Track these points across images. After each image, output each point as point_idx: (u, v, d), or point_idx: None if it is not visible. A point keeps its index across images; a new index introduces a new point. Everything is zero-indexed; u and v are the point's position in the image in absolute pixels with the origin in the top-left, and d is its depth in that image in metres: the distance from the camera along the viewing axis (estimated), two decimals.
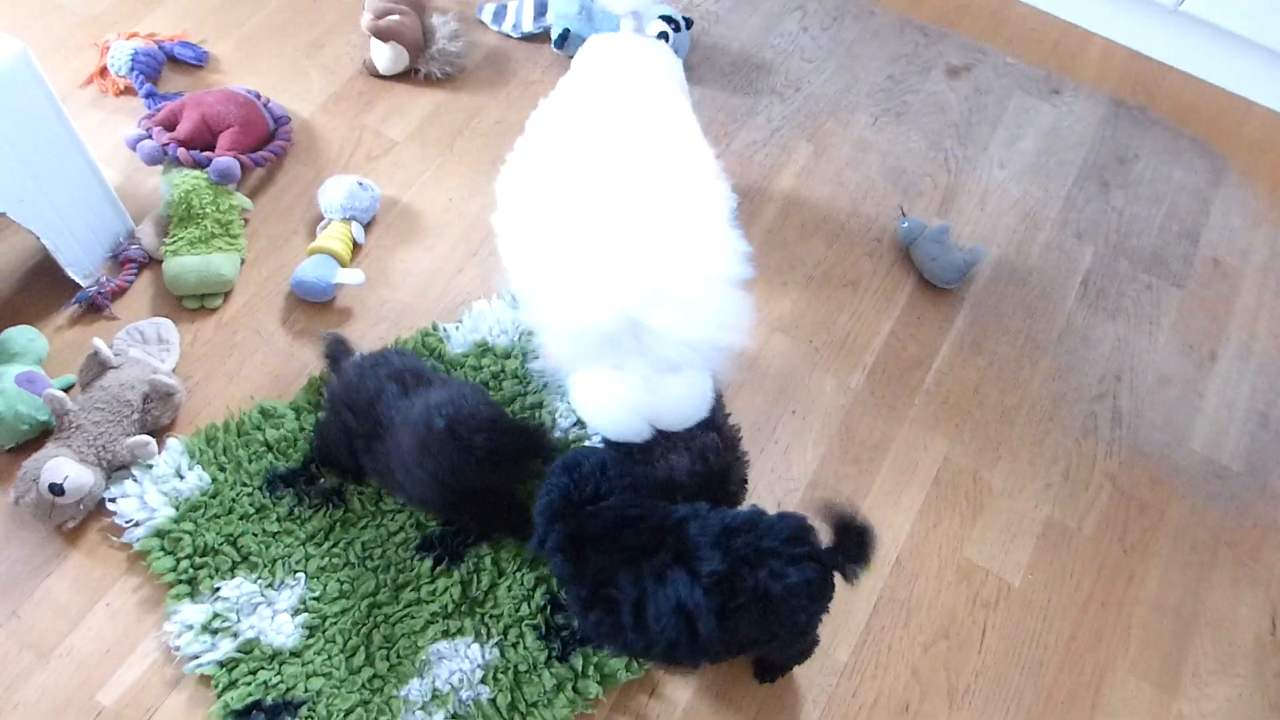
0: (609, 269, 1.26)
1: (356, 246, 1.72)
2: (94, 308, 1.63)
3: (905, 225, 1.78)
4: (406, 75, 1.95)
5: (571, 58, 1.93)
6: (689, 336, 1.26)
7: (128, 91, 1.87)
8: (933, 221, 1.80)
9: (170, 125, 1.74)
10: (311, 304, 1.67)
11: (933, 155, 1.94)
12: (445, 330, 1.64)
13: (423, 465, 1.30)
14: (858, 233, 1.83)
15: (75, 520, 1.43)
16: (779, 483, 1.56)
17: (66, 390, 1.52)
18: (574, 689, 1.36)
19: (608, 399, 1.32)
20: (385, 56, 1.90)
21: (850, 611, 1.46)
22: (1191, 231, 1.89)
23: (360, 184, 1.72)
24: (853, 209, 1.86)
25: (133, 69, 1.84)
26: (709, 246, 1.31)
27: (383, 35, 1.87)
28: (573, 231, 1.30)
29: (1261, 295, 1.83)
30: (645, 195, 1.32)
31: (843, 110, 1.99)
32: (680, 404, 1.32)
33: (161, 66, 1.89)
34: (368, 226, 1.76)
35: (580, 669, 1.37)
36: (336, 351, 1.51)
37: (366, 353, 1.49)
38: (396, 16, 1.87)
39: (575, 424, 1.57)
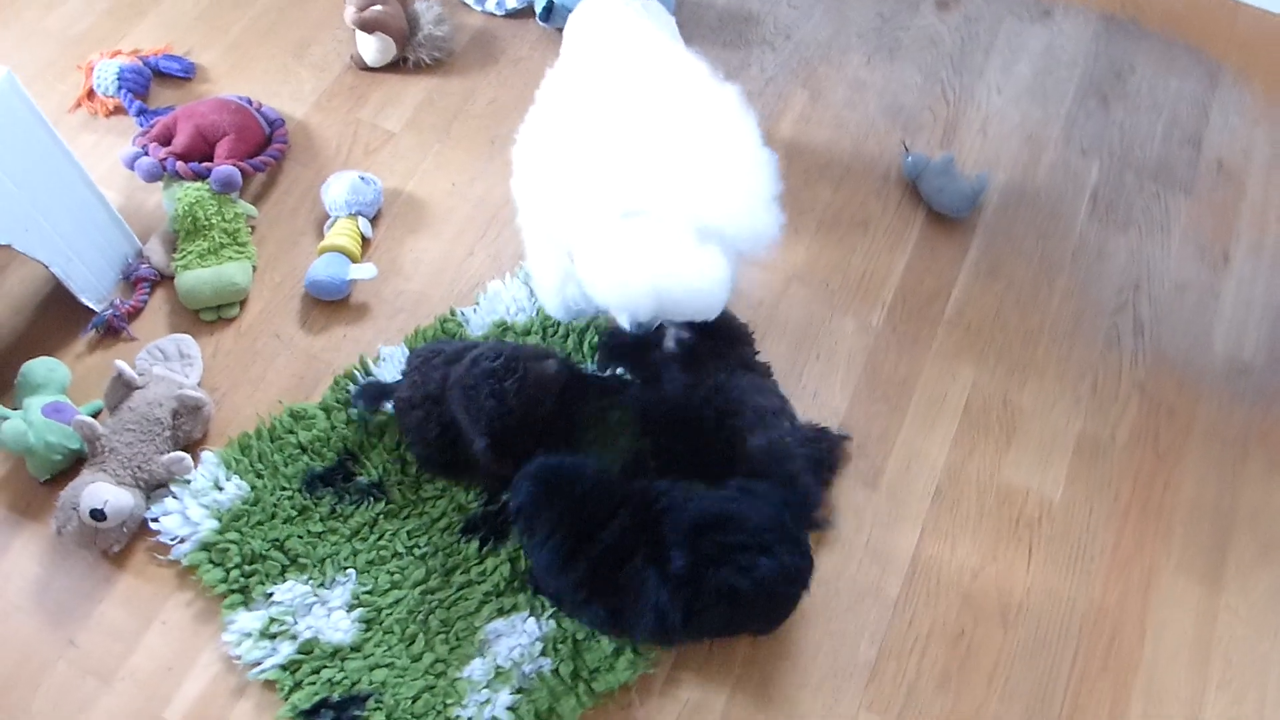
0: (639, 156, 1.23)
1: (365, 241, 1.68)
2: (111, 331, 1.59)
3: (909, 160, 1.74)
4: (395, 65, 1.89)
5: (560, 29, 1.88)
6: (712, 216, 1.20)
7: (118, 111, 1.82)
8: (936, 154, 1.75)
9: (165, 140, 1.69)
10: (328, 302, 1.63)
11: (929, 88, 1.89)
12: (463, 314, 1.60)
13: (470, 408, 1.33)
14: (862, 173, 1.78)
15: (120, 543, 1.40)
16: None
17: (94, 416, 1.49)
18: (634, 651, 1.33)
19: (615, 255, 1.20)
20: (372, 48, 1.85)
21: (896, 546, 1.44)
22: (1193, 137, 1.84)
23: (362, 178, 1.68)
24: (855, 150, 1.81)
25: (120, 87, 1.79)
26: (734, 140, 1.28)
27: (368, 27, 1.82)
28: (600, 141, 1.26)
29: (1267, 192, 1.78)
30: (674, 123, 1.27)
31: (835, 53, 1.94)
32: (695, 280, 1.20)
33: (149, 82, 1.84)
34: (374, 220, 1.71)
35: None
36: (374, 394, 1.48)
37: (412, 355, 1.47)
38: (380, 7, 1.81)
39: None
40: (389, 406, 1.47)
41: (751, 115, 1.33)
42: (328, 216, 1.69)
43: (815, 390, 1.56)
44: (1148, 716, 1.32)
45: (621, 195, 1.21)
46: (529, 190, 1.37)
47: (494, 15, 1.98)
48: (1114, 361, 1.60)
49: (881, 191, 1.77)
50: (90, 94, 1.82)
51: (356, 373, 1.54)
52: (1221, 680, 1.35)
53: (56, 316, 1.61)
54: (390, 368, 1.54)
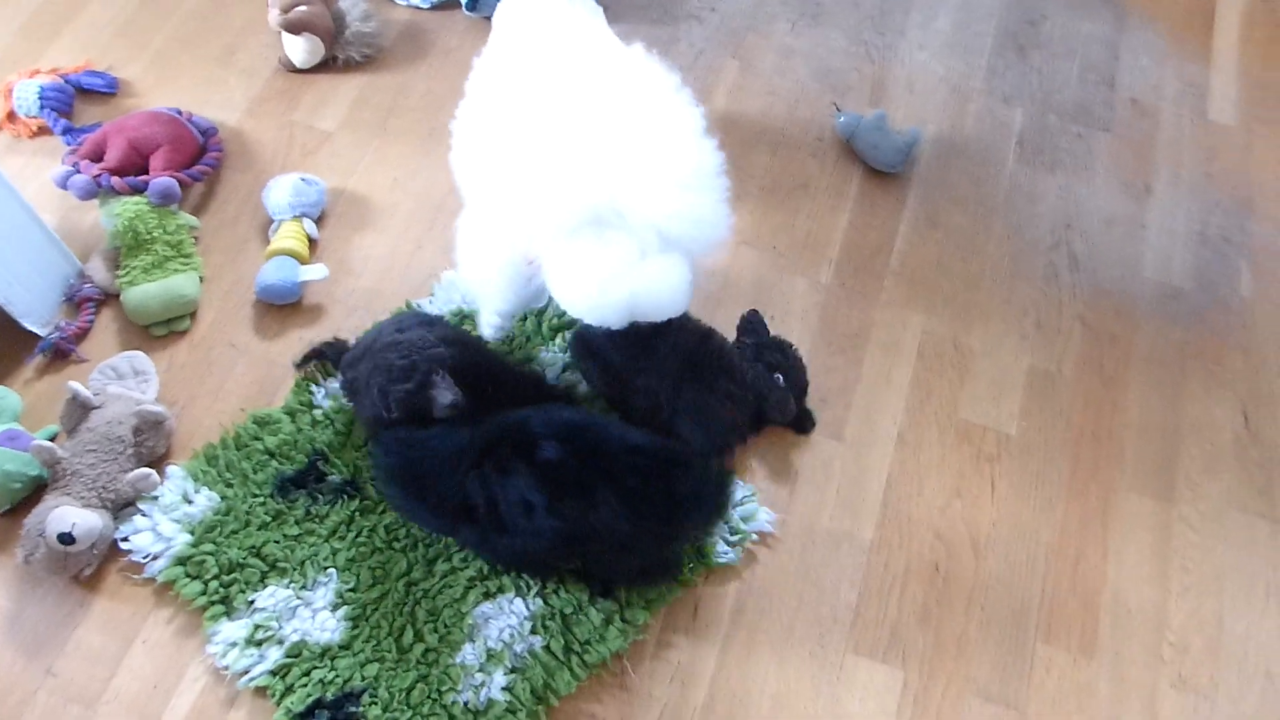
0: (593, 159, 1.21)
1: (312, 242, 1.64)
2: (59, 354, 1.53)
3: (842, 120, 1.75)
4: (325, 65, 1.84)
5: (487, 18, 1.86)
6: (666, 223, 1.21)
7: (42, 131, 1.74)
8: (867, 112, 1.76)
9: (97, 156, 1.62)
10: (281, 306, 1.58)
11: (854, 49, 1.91)
12: (420, 306, 1.57)
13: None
14: (798, 136, 1.79)
15: (91, 566, 1.35)
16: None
17: (52, 440, 1.43)
18: (622, 619, 1.33)
19: (588, 272, 1.23)
20: (300, 50, 1.80)
21: (866, 492, 1.45)
22: (1107, 78, 1.88)
23: (304, 179, 1.63)
24: (789, 115, 1.82)
25: (43, 107, 1.71)
26: (685, 143, 1.25)
27: (294, 28, 1.77)
28: (550, 140, 1.24)
29: (1180, 125, 1.83)
30: (618, 108, 1.26)
31: (760, 22, 1.94)
32: (661, 287, 1.24)
33: (72, 100, 1.76)
34: (319, 221, 1.67)
35: (625, 599, 1.34)
36: (332, 353, 1.47)
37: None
38: (304, 8, 1.76)
39: (564, 371, 1.52)
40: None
41: (693, 103, 1.31)
42: (271, 221, 1.65)
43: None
44: (1117, 629, 1.36)
45: (584, 204, 1.21)
46: (473, 193, 1.35)
47: (420, 9, 1.94)
48: (1054, 296, 1.64)
49: (818, 153, 1.78)
50: (11, 116, 1.74)
51: (318, 374, 1.50)
52: (1181, 588, 1.39)
53: (0, 344, 1.54)
54: None
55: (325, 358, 1.49)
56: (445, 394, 1.28)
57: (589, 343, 1.45)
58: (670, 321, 1.32)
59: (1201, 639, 1.36)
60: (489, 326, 1.48)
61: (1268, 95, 1.86)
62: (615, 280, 1.23)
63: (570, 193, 1.22)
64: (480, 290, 1.47)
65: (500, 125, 1.32)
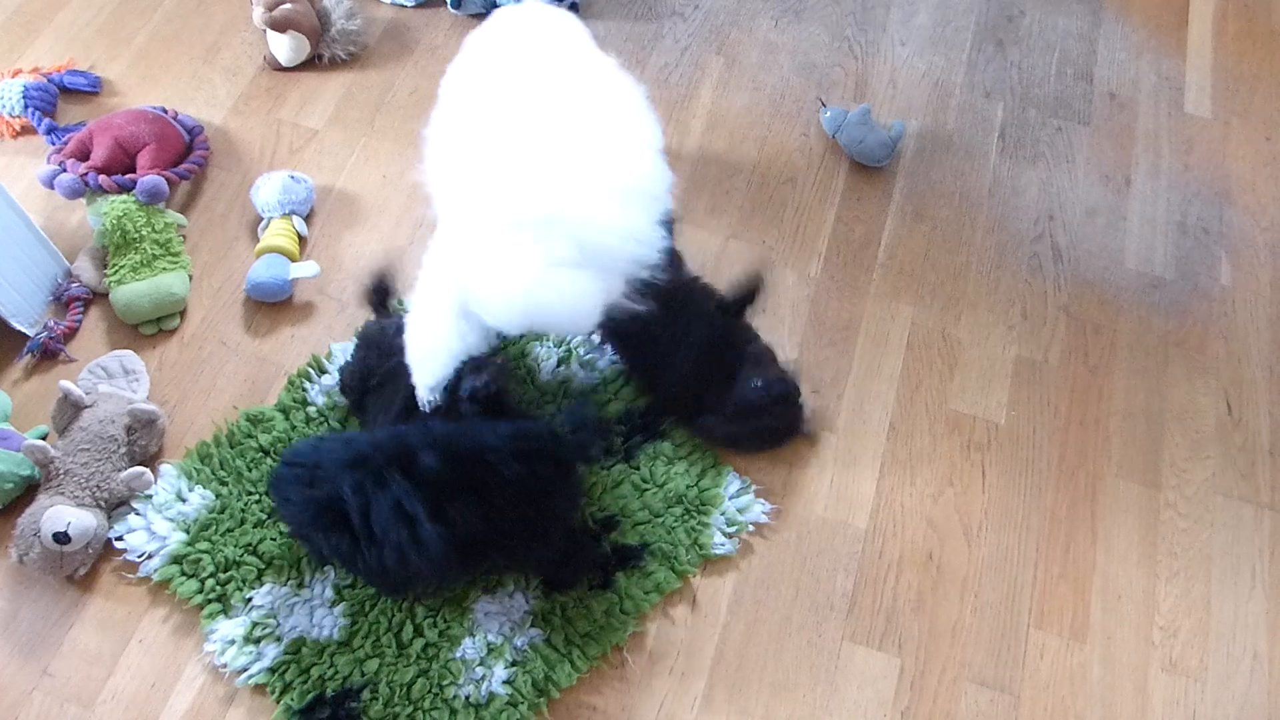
0: (536, 162, 1.20)
1: (301, 240, 1.63)
2: (48, 354, 1.51)
3: (828, 115, 1.76)
4: (310, 63, 1.83)
5: (472, 15, 1.86)
6: (593, 236, 1.18)
7: (25, 131, 1.72)
8: (852, 107, 1.77)
9: (82, 155, 1.60)
10: (271, 304, 1.57)
11: (837, 45, 1.92)
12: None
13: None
14: (784, 131, 1.80)
15: (86, 566, 1.33)
16: None
17: (42, 440, 1.41)
18: (622, 611, 1.33)
19: (492, 272, 1.20)
20: (285, 48, 1.78)
21: (859, 482, 1.46)
22: (1085, 72, 1.91)
23: (292, 177, 1.62)
24: (774, 110, 1.83)
25: (26, 106, 1.69)
26: (633, 161, 1.25)
27: (279, 26, 1.75)
28: (502, 144, 1.23)
29: (1157, 118, 1.86)
30: (575, 118, 1.25)
31: (744, 18, 1.94)
32: (564, 302, 1.20)
33: (56, 99, 1.73)
34: (308, 218, 1.65)
35: (624, 591, 1.34)
36: (381, 291, 1.47)
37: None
38: (289, 5, 1.75)
39: (558, 365, 1.52)
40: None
41: (655, 121, 1.31)
42: (260, 219, 1.63)
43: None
44: (1107, 613, 1.38)
45: (509, 206, 1.19)
46: (443, 210, 1.33)
47: (404, 6, 1.93)
48: (1039, 287, 1.66)
49: (804, 147, 1.79)
50: None
51: (311, 371, 1.49)
52: (1169, 573, 1.41)
53: None
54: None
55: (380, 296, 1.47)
56: (479, 378, 1.27)
57: (615, 326, 1.42)
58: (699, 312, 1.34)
59: (1190, 622, 1.38)
60: (422, 399, 1.32)
61: (1241, 88, 1.89)
62: (516, 285, 1.18)
63: (499, 193, 1.20)
64: (419, 351, 1.33)
65: (462, 133, 1.30)
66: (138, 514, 1.37)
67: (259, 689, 1.28)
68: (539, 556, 1.31)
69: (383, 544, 1.16)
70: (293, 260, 1.58)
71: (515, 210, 1.19)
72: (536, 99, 1.26)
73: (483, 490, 1.18)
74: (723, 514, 1.41)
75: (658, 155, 1.28)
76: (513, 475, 1.18)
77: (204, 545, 1.35)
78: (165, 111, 1.69)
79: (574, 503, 1.33)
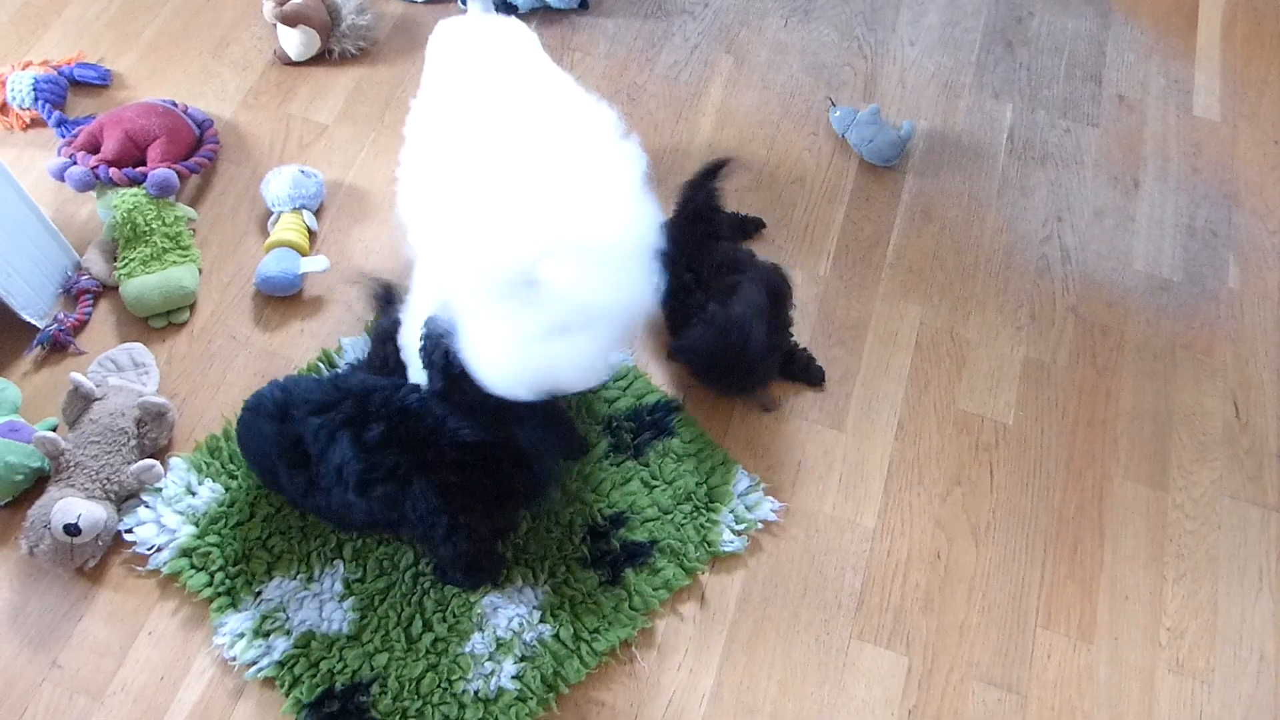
0: (515, 220, 1.14)
1: (311, 234, 1.63)
2: (58, 347, 1.51)
3: (837, 114, 1.76)
4: (320, 58, 1.83)
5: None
6: (585, 297, 1.13)
7: (35, 124, 1.72)
8: (861, 107, 1.78)
9: (93, 148, 1.60)
10: (281, 299, 1.57)
11: (846, 45, 1.92)
12: None
13: None
14: (793, 131, 1.80)
15: (95, 558, 1.33)
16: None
17: (52, 432, 1.41)
18: (631, 607, 1.33)
19: (497, 349, 1.16)
20: (296, 42, 1.78)
21: (867, 480, 1.46)
22: (1094, 74, 1.91)
23: (303, 171, 1.62)
24: (784, 109, 1.83)
25: (37, 99, 1.68)
26: (615, 208, 1.18)
27: (289, 21, 1.75)
28: (481, 189, 1.18)
29: (1166, 120, 1.86)
30: (549, 158, 1.19)
31: (753, 17, 1.95)
32: (569, 368, 1.17)
33: (66, 91, 1.73)
34: (318, 213, 1.66)
35: (633, 587, 1.34)
36: (385, 296, 1.47)
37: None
38: (300, 0, 1.75)
39: None
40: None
41: (633, 148, 1.24)
42: (270, 213, 1.64)
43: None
44: (1115, 615, 1.38)
45: (503, 269, 1.14)
46: (420, 244, 1.31)
47: (414, 2, 1.93)
48: (1047, 289, 1.66)
49: (813, 147, 1.79)
50: (3, 108, 1.72)
51: (320, 365, 1.49)
52: (1177, 575, 1.42)
53: None
54: (352, 358, 1.50)
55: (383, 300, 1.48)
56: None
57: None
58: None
59: (1197, 623, 1.38)
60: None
61: (1249, 91, 1.89)
62: (521, 357, 1.15)
63: (491, 255, 1.14)
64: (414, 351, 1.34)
65: (434, 174, 1.27)
66: (147, 507, 1.37)
67: (268, 682, 1.28)
68: (444, 555, 1.29)
69: (328, 492, 1.25)
70: (302, 255, 1.58)
71: (499, 274, 1.13)
72: (505, 140, 1.21)
73: (411, 484, 1.21)
74: (731, 511, 1.41)
75: (639, 190, 1.21)
76: (453, 483, 1.21)
77: (213, 539, 1.35)
78: (175, 105, 1.69)
79: (525, 503, 1.35)
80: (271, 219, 1.62)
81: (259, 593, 1.32)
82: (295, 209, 1.61)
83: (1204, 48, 1.95)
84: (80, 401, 1.38)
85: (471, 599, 1.33)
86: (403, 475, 1.21)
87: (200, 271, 1.58)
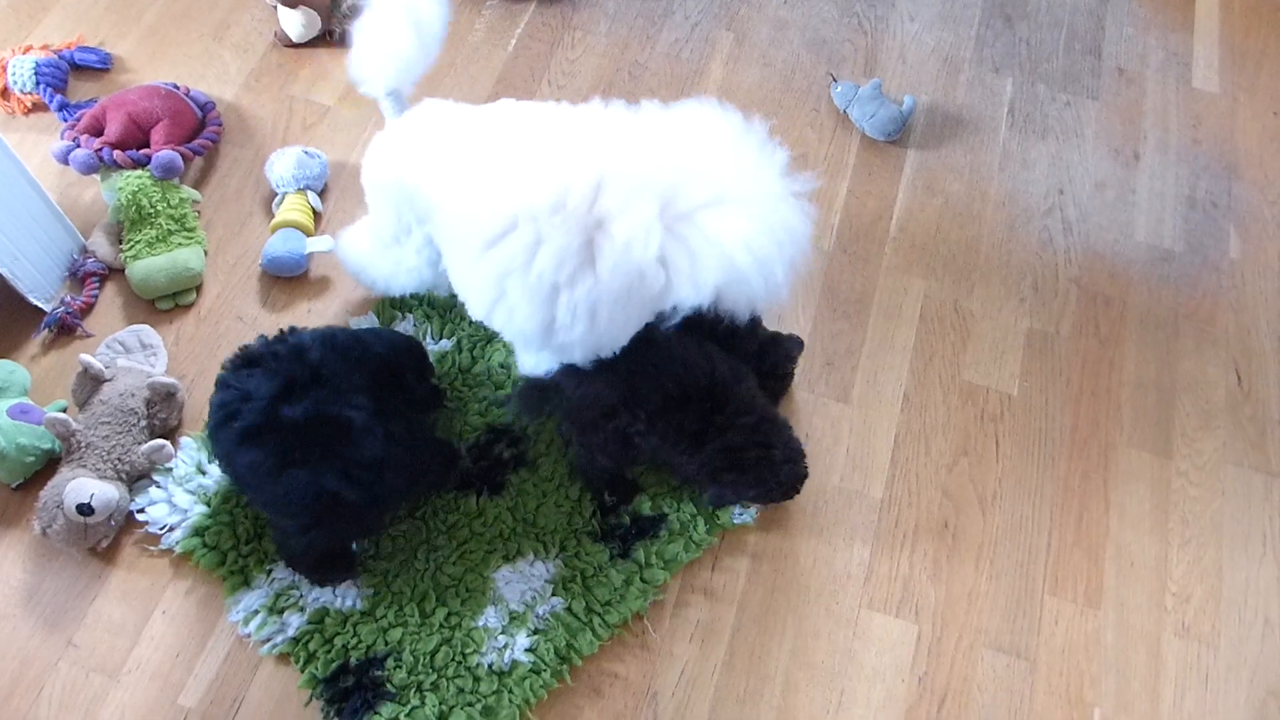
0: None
1: (316, 215, 1.62)
2: (65, 329, 1.50)
3: (838, 90, 1.75)
4: (321, 39, 1.81)
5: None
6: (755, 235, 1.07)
7: (37, 108, 1.70)
8: (862, 82, 1.77)
9: (96, 131, 1.59)
10: (287, 279, 1.56)
11: (847, 21, 1.91)
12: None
13: None
14: (795, 107, 1.79)
15: (108, 538, 1.33)
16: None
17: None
18: (642, 579, 1.33)
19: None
20: (297, 24, 1.77)
21: (874, 452, 1.46)
22: (1093, 47, 1.90)
23: (307, 152, 1.61)
24: (785, 85, 1.82)
25: (38, 83, 1.67)
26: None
27: (290, 2, 1.73)
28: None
29: (1165, 93, 1.86)
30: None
31: None
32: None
33: (67, 75, 1.72)
34: (322, 193, 1.65)
35: (644, 560, 1.34)
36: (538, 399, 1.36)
37: None
38: None
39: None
40: None
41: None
42: (275, 194, 1.62)
43: (780, 315, 1.57)
44: (1121, 580, 1.38)
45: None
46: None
47: None
48: (1049, 260, 1.66)
49: (815, 122, 1.78)
50: (5, 92, 1.70)
51: None
52: (1181, 540, 1.42)
53: (5, 320, 1.50)
54: None
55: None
56: None
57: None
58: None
59: (1202, 589, 1.38)
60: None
61: (1248, 63, 1.89)
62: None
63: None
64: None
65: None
66: (159, 487, 1.36)
67: (283, 658, 1.28)
68: (301, 544, 1.27)
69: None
70: (308, 235, 1.57)
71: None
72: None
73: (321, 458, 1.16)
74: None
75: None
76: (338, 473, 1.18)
77: (225, 518, 1.35)
78: (177, 88, 1.68)
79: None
80: (276, 200, 1.61)
81: (271, 571, 1.32)
82: (300, 190, 1.60)
83: (1202, 20, 1.95)
84: (90, 383, 1.37)
85: (485, 573, 1.33)
86: (287, 452, 1.15)
87: (206, 253, 1.57)
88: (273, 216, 1.60)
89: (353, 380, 1.21)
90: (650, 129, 1.13)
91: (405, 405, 1.30)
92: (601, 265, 1.06)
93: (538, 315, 1.11)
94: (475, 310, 1.18)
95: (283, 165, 1.60)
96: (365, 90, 1.33)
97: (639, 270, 1.06)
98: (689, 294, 1.08)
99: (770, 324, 1.53)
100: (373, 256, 1.42)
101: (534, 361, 1.30)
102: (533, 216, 1.07)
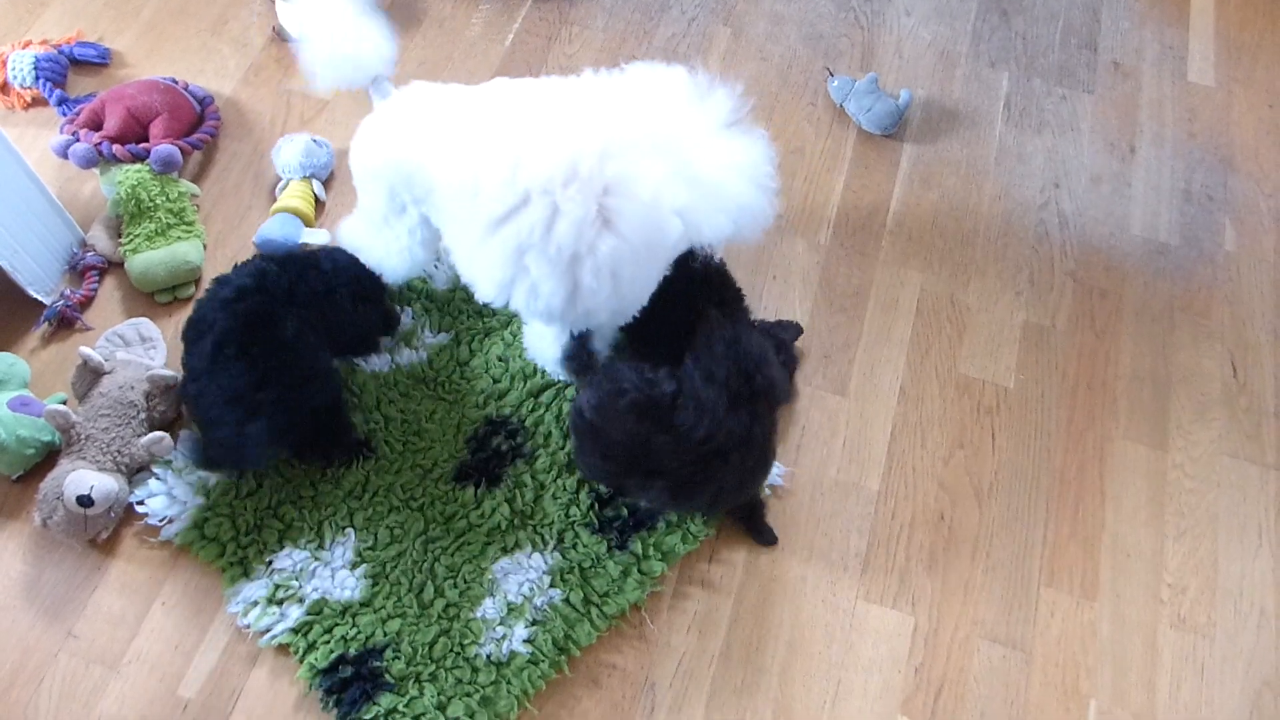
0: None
1: (319, 204, 1.62)
2: (64, 322, 1.50)
3: (835, 84, 1.75)
4: None
5: None
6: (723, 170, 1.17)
7: (36, 103, 1.70)
8: (859, 76, 1.77)
9: (95, 125, 1.59)
10: None
11: (843, 15, 1.91)
12: (427, 271, 1.56)
13: None
14: (791, 101, 1.79)
15: (108, 530, 1.33)
16: None
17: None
18: (639, 571, 1.33)
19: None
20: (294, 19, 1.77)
21: (871, 444, 1.46)
22: (1089, 41, 1.90)
23: (315, 141, 1.61)
24: (782, 80, 1.82)
25: (38, 77, 1.67)
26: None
27: None
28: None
29: (1160, 86, 1.86)
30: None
31: None
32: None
33: (66, 70, 1.71)
34: (326, 183, 1.65)
35: (641, 552, 1.34)
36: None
37: None
38: None
39: None
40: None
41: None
42: (279, 179, 1.62)
43: (777, 309, 1.57)
44: (1116, 572, 1.39)
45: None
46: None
47: None
48: (1045, 254, 1.66)
49: (811, 117, 1.78)
50: (4, 87, 1.70)
51: None
52: (1177, 533, 1.42)
53: (5, 313, 1.50)
54: None
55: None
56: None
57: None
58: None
59: (1198, 580, 1.39)
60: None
61: (1243, 56, 1.89)
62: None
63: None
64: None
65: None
66: (158, 478, 1.36)
67: (282, 649, 1.28)
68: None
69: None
70: (307, 223, 1.57)
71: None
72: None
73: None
74: None
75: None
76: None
77: (224, 510, 1.35)
78: (175, 82, 1.67)
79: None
80: (280, 185, 1.61)
81: (270, 562, 1.32)
82: (305, 177, 1.60)
83: (1197, 14, 1.95)
84: (90, 375, 1.37)
85: (483, 565, 1.33)
86: (223, 346, 1.26)
87: (205, 247, 1.57)
88: (275, 201, 1.59)
89: (296, 294, 1.32)
90: (621, 93, 1.20)
91: (347, 324, 1.38)
92: (623, 225, 1.09)
93: (562, 287, 1.13)
94: (485, 291, 1.18)
95: (290, 151, 1.60)
96: (315, 88, 1.38)
97: (658, 224, 1.12)
98: (707, 235, 1.19)
99: (770, 317, 1.55)
100: (367, 240, 1.43)
101: (549, 339, 1.32)
102: (545, 190, 1.08)
